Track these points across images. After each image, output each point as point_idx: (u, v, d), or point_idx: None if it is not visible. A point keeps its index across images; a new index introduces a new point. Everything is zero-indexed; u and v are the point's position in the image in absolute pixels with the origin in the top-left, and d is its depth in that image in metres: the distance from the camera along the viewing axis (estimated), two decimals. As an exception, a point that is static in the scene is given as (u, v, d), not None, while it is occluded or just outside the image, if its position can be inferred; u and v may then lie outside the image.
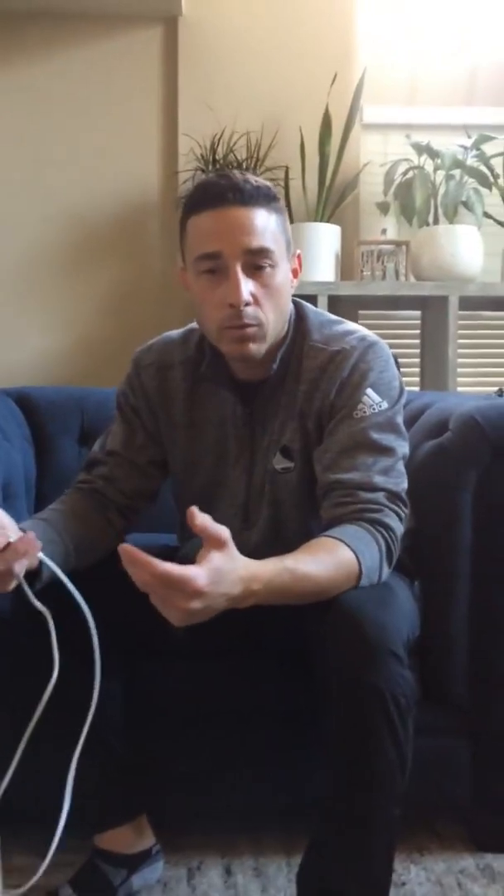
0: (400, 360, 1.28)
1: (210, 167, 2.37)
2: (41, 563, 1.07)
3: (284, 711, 1.35)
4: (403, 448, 1.21)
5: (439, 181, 2.42)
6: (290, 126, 2.43)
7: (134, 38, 2.49)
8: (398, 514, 1.16)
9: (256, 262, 1.16)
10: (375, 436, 1.18)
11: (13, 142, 2.49)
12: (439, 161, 2.40)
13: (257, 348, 1.20)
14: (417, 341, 2.58)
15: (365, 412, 1.19)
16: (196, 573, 0.89)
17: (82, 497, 1.31)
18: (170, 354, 1.34)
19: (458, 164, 2.39)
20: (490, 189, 2.43)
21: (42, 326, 2.51)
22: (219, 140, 2.38)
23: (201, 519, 0.92)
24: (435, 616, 1.36)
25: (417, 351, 2.57)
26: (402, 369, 1.28)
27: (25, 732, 1.06)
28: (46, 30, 2.47)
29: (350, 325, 1.28)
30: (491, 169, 2.44)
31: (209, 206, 1.16)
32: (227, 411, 1.29)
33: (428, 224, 2.43)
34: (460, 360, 2.38)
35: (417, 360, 2.56)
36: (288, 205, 2.33)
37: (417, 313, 2.59)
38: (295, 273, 1.26)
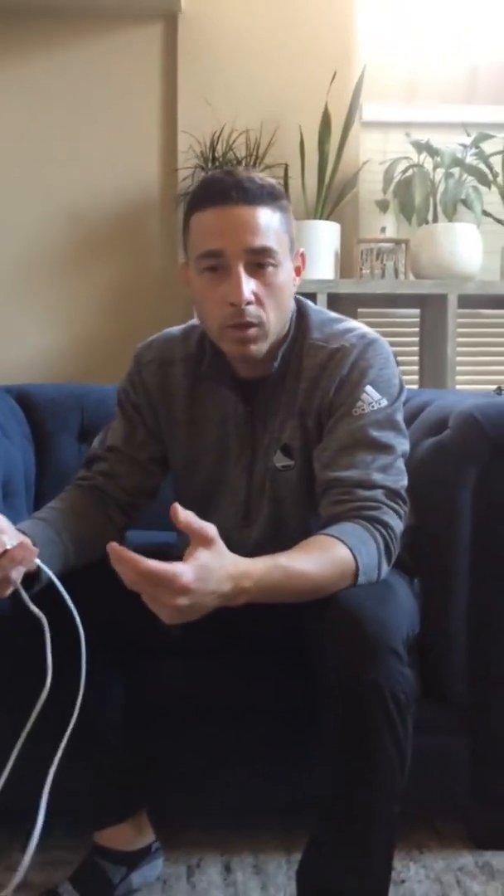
0: (399, 357, 1.28)
1: (209, 165, 2.36)
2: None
3: (283, 709, 1.35)
4: (403, 445, 1.21)
5: (439, 179, 2.42)
6: (290, 124, 2.42)
7: (133, 35, 2.48)
8: (397, 512, 1.16)
9: (259, 261, 1.16)
10: (374, 433, 1.18)
11: (13, 138, 2.48)
12: (439, 159, 2.40)
13: (258, 348, 1.20)
14: (416, 339, 2.58)
15: (364, 409, 1.18)
16: (182, 570, 0.89)
17: (82, 494, 1.30)
18: (171, 351, 1.33)
19: (458, 162, 2.39)
20: (489, 187, 2.43)
21: (42, 323, 2.51)
22: (218, 137, 2.38)
23: (184, 515, 0.92)
24: (434, 613, 1.36)
25: (416, 349, 2.57)
26: (400, 367, 1.27)
27: (22, 732, 1.06)
28: (46, 27, 2.46)
29: (350, 323, 1.28)
30: (490, 167, 2.44)
31: (213, 203, 1.16)
32: (228, 409, 1.29)
33: (427, 222, 2.43)
34: (459, 358, 2.38)
35: (416, 358, 2.56)
36: (287, 203, 2.33)
37: (416, 311, 2.59)
38: (298, 271, 1.26)
